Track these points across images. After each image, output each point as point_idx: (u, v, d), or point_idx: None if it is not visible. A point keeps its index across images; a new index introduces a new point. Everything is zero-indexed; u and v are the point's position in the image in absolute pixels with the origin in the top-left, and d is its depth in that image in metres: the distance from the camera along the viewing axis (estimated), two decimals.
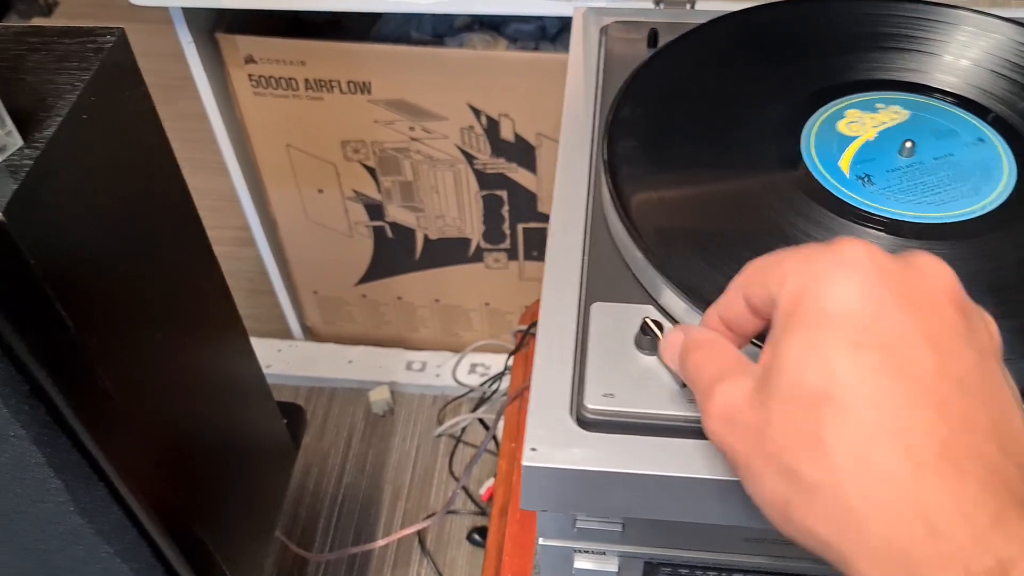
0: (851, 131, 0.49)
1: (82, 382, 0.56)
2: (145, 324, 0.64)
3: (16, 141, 0.51)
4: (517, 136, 1.13)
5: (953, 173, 0.47)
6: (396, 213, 1.25)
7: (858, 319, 0.29)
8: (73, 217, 0.55)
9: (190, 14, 1.04)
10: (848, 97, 0.51)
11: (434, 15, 1.16)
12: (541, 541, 0.50)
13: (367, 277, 1.35)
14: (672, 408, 0.40)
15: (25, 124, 0.52)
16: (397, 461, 1.32)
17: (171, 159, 0.66)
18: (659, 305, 0.43)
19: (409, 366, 1.40)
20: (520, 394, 1.01)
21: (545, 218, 1.23)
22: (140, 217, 0.63)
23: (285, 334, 1.43)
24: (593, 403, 0.40)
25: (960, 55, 0.53)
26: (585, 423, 0.40)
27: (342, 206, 1.25)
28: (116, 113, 0.58)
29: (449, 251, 1.29)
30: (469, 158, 1.16)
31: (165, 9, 1.00)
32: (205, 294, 0.74)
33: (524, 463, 0.39)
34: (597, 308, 0.43)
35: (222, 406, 0.78)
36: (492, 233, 1.26)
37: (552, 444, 0.39)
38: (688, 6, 0.60)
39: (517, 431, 0.98)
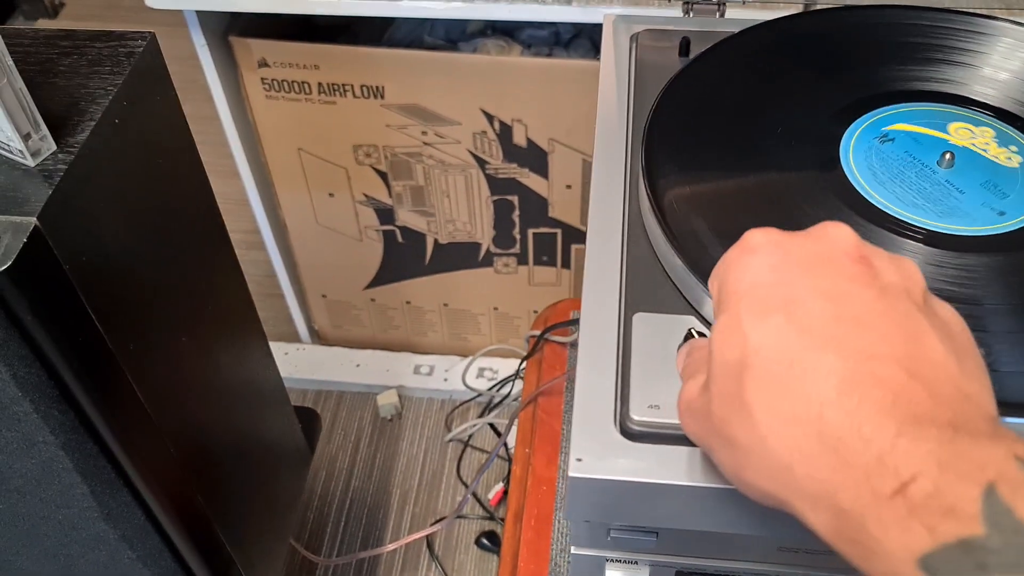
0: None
1: (112, 388, 0.56)
2: (172, 330, 0.64)
3: (50, 145, 0.51)
4: (529, 141, 1.13)
5: (989, 183, 0.47)
6: (407, 217, 1.25)
7: (762, 290, 0.33)
8: (105, 222, 0.55)
9: (204, 17, 1.04)
10: (886, 108, 0.51)
11: (448, 20, 1.16)
12: (574, 550, 0.50)
13: (376, 281, 1.34)
14: None
15: (58, 128, 0.52)
16: (405, 465, 1.32)
17: (198, 164, 0.66)
18: (700, 315, 0.43)
19: (417, 370, 1.40)
20: (533, 399, 1.01)
21: (555, 223, 1.23)
22: (169, 223, 0.63)
23: (293, 337, 1.43)
24: (639, 414, 0.40)
25: (999, 67, 0.53)
26: (630, 434, 0.40)
27: (352, 210, 1.25)
28: (147, 118, 0.58)
29: (459, 256, 1.29)
30: (481, 163, 1.16)
31: (175, 11, 1.00)
32: (228, 300, 0.74)
33: (571, 473, 0.39)
34: (639, 318, 0.43)
35: (243, 411, 0.78)
36: (502, 238, 1.26)
37: (598, 455, 0.39)
38: (717, 14, 0.60)
39: (531, 437, 0.98)
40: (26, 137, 0.49)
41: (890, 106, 0.51)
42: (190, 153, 0.64)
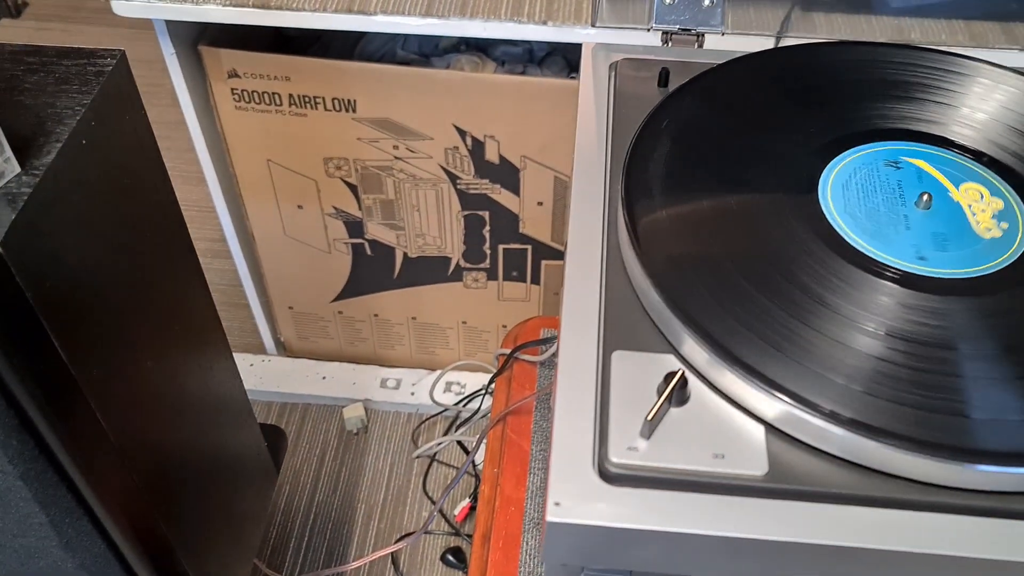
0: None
1: (73, 415, 0.55)
2: (137, 351, 0.63)
3: (14, 168, 0.50)
4: (501, 158, 1.12)
5: (940, 236, 0.48)
6: (376, 231, 1.24)
7: None
8: (70, 246, 0.53)
9: (173, 25, 1.02)
10: (864, 147, 0.51)
11: (421, 35, 1.15)
12: None
13: (344, 294, 1.33)
14: (697, 463, 0.39)
15: (24, 149, 0.50)
16: (371, 480, 1.31)
17: (167, 183, 0.65)
18: (679, 353, 0.43)
19: (384, 383, 1.39)
20: (502, 418, 1.00)
21: (525, 239, 1.22)
22: (135, 243, 0.62)
23: (258, 349, 1.41)
24: (617, 457, 0.39)
25: (976, 107, 0.53)
26: (608, 477, 0.39)
27: (321, 222, 1.23)
28: (115, 138, 0.57)
29: (428, 270, 1.28)
30: (452, 178, 1.15)
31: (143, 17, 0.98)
32: (194, 317, 0.73)
33: (549, 518, 0.38)
34: (618, 357, 0.43)
35: (207, 430, 0.76)
36: (472, 253, 1.25)
37: (576, 498, 0.39)
38: (696, 45, 0.60)
39: (500, 457, 0.97)
40: None
41: (870, 144, 0.51)
42: (158, 172, 0.63)
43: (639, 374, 0.42)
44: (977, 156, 0.52)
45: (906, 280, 0.45)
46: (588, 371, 0.43)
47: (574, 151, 0.54)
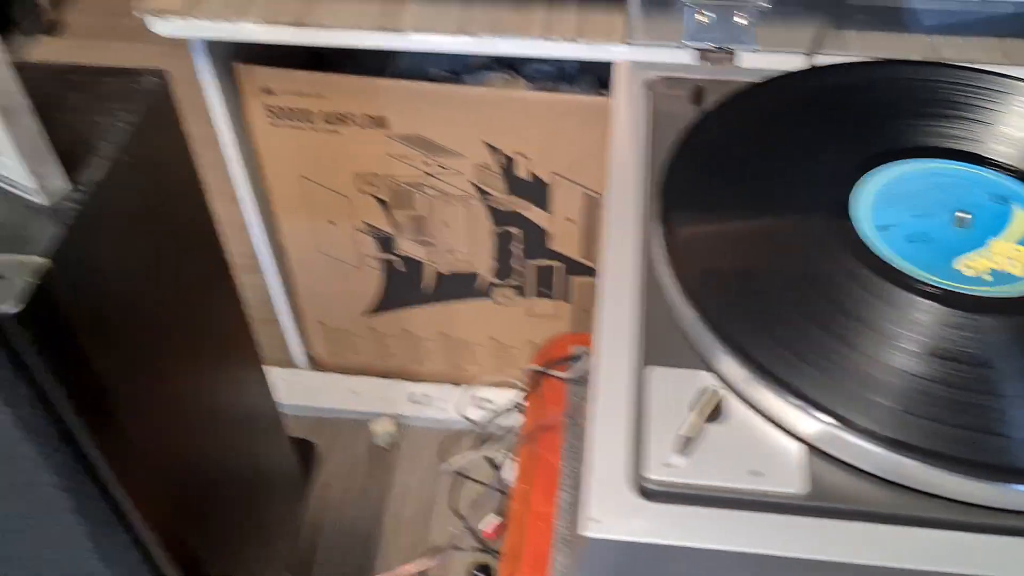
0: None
1: (112, 428, 0.56)
2: (173, 367, 0.64)
3: (63, 185, 0.51)
4: (532, 174, 1.13)
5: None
6: (407, 247, 1.24)
7: None
8: (112, 262, 0.54)
9: (208, 44, 1.04)
10: (902, 162, 0.51)
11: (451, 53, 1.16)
12: None
13: (375, 309, 1.34)
14: (735, 480, 0.39)
15: (70, 167, 0.52)
16: (398, 495, 1.31)
17: (204, 202, 0.66)
18: (715, 371, 0.43)
19: (413, 398, 1.39)
20: (533, 435, 1.00)
21: (555, 256, 1.23)
22: (173, 260, 0.63)
23: (289, 363, 1.42)
24: (655, 473, 0.39)
25: (1015, 125, 0.53)
26: (647, 493, 0.39)
27: (353, 238, 1.24)
28: (157, 156, 0.58)
29: (458, 286, 1.29)
30: (483, 194, 1.16)
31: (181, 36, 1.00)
32: (228, 333, 0.74)
33: (588, 534, 0.38)
34: (653, 373, 0.43)
35: (239, 444, 0.77)
36: (502, 269, 1.26)
37: (614, 514, 0.39)
38: (729, 63, 0.61)
39: (530, 473, 0.97)
40: (39, 177, 0.49)
41: (908, 159, 0.51)
42: (196, 190, 0.64)
43: (674, 390, 0.42)
44: (1018, 174, 0.51)
45: (944, 298, 0.45)
46: (622, 387, 0.43)
47: (608, 168, 0.55)
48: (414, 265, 1.27)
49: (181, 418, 0.65)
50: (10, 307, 0.45)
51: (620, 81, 0.60)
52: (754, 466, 0.40)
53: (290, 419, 1.38)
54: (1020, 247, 0.48)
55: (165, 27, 0.98)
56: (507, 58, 1.16)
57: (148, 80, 0.56)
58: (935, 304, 0.45)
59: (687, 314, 0.44)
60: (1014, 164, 0.52)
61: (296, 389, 1.40)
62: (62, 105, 0.55)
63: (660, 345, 0.45)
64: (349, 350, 1.40)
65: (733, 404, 0.42)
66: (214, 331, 0.70)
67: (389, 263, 1.27)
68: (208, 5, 0.98)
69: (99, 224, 0.51)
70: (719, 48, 0.59)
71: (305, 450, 0.93)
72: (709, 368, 0.43)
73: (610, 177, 0.54)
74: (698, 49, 0.60)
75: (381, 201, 1.19)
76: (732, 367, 0.42)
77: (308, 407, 1.39)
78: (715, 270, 0.46)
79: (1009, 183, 0.51)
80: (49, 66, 0.58)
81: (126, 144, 0.54)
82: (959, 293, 0.45)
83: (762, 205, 0.49)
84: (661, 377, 0.43)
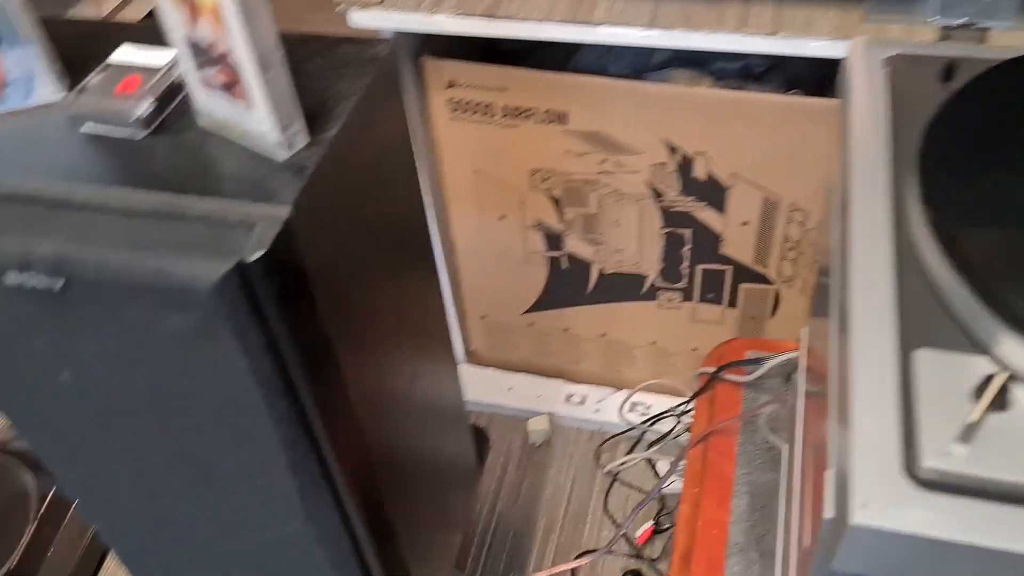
0: None
1: (330, 387, 0.56)
2: (382, 338, 0.64)
3: (303, 140, 0.52)
4: (710, 175, 1.10)
5: None
6: (574, 244, 1.23)
7: None
8: (341, 221, 0.55)
9: (400, 37, 1.06)
10: None
11: (633, 51, 1.15)
12: None
13: (537, 306, 1.33)
14: None
15: (309, 124, 0.53)
16: (552, 494, 1.30)
17: (415, 175, 0.66)
18: (995, 356, 0.40)
19: (569, 398, 1.38)
20: (705, 438, 0.97)
21: (726, 260, 1.19)
22: (390, 229, 0.64)
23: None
24: (932, 461, 0.36)
25: None
26: (922, 482, 0.36)
27: (522, 234, 1.24)
28: (384, 120, 0.59)
29: (622, 287, 1.27)
30: (657, 194, 1.14)
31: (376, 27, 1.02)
32: (429, 315, 0.74)
33: (855, 521, 0.36)
34: (922, 356, 0.40)
35: (430, 426, 0.78)
36: (669, 272, 1.23)
37: (885, 502, 0.36)
38: (978, 41, 0.57)
39: (701, 477, 0.94)
40: (283, 129, 0.50)
41: None
42: (410, 162, 0.65)
43: (946, 375, 0.39)
44: None
45: None
46: (885, 371, 0.40)
47: (847, 145, 0.52)
48: (580, 264, 1.26)
49: (385, 389, 0.66)
50: (254, 253, 0.46)
51: (857, 60, 0.57)
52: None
53: None
54: None
55: (363, 18, 1.01)
56: (689, 56, 1.14)
57: (377, 48, 0.57)
58: None
59: (959, 294, 0.41)
60: None
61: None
62: (303, 69, 0.57)
63: (924, 329, 0.42)
64: (508, 346, 1.41)
65: (1021, 393, 0.38)
66: (418, 311, 0.71)
67: (555, 261, 1.26)
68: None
69: (332, 181, 0.52)
70: (969, 24, 0.55)
71: (479, 437, 0.93)
72: (986, 351, 0.40)
73: (852, 157, 0.51)
74: (946, 27, 0.56)
75: (553, 198, 1.19)
76: (1018, 350, 0.38)
77: (465, 400, 1.40)
78: (991, 248, 0.42)
79: None
80: (292, 34, 0.60)
81: (358, 106, 0.55)
82: None
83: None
84: (930, 361, 0.40)
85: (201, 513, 0.65)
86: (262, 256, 0.47)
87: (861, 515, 0.36)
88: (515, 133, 1.13)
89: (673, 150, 1.09)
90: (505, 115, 1.12)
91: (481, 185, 1.20)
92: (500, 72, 1.09)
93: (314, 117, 0.53)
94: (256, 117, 0.50)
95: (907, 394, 0.39)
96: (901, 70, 0.55)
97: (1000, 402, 0.38)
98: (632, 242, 1.21)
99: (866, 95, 0.54)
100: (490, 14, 0.99)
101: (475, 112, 1.13)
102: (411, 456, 0.73)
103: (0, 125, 0.55)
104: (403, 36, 1.07)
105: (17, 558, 1.16)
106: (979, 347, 0.40)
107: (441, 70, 1.10)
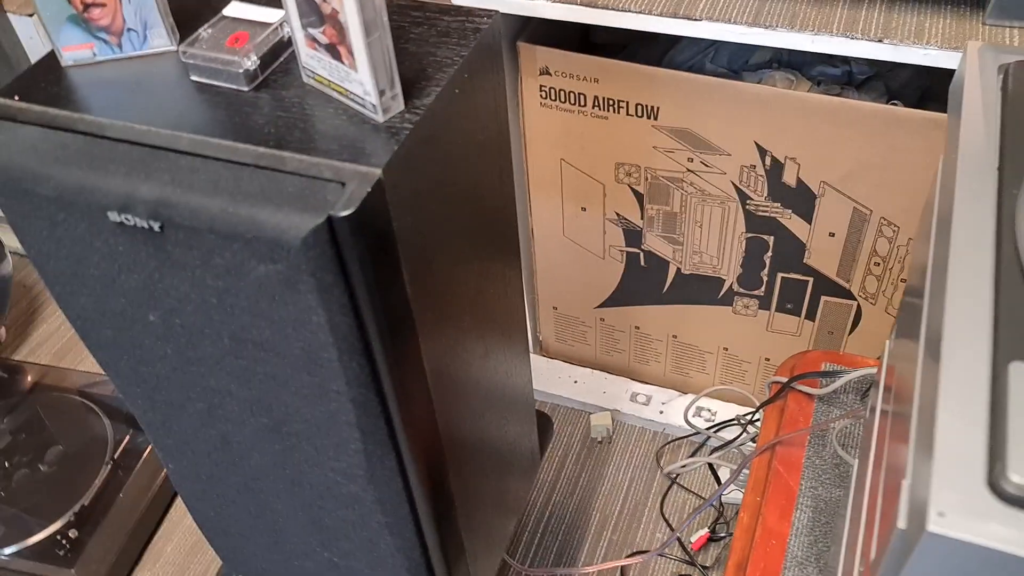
0: None
1: (404, 351, 0.57)
2: (459, 312, 0.65)
3: (400, 104, 0.53)
4: (799, 181, 1.08)
5: None
6: (654, 242, 1.22)
7: None
8: (431, 188, 0.56)
9: (499, 18, 1.06)
10: None
11: (732, 49, 1.13)
12: None
13: (609, 302, 1.33)
14: None
15: (407, 90, 0.53)
16: (608, 490, 1.29)
17: (508, 152, 0.67)
18: None
19: (634, 397, 1.37)
20: (771, 447, 0.95)
21: (808, 271, 1.17)
22: (476, 203, 0.64)
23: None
24: (1018, 476, 0.35)
25: None
26: (1005, 496, 0.35)
27: (601, 227, 1.24)
28: (481, 93, 0.59)
29: (699, 289, 1.25)
30: (743, 197, 1.12)
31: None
32: (505, 295, 0.74)
33: (930, 529, 0.35)
34: (1017, 369, 0.38)
35: (497, 406, 0.78)
36: (748, 278, 1.21)
37: (965, 513, 0.35)
38: None
39: (764, 486, 0.92)
40: (381, 93, 0.51)
41: None
42: (504, 138, 0.65)
43: None
44: None
45: None
46: (980, 381, 0.39)
47: (957, 151, 0.50)
48: (658, 262, 1.24)
49: (456, 367, 0.66)
50: (344, 210, 0.47)
51: (973, 65, 0.55)
52: None
53: None
54: None
55: None
56: (790, 58, 1.11)
57: (481, 19, 0.58)
58: None
59: None
60: None
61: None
62: (406, 35, 0.57)
63: (1019, 341, 0.40)
64: (577, 339, 1.40)
65: None
66: (495, 289, 0.71)
67: (632, 256, 1.25)
68: None
69: (425, 146, 0.53)
70: None
71: (543, 424, 0.93)
72: None
73: (960, 166, 0.49)
74: None
75: (636, 193, 1.18)
76: None
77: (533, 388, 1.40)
78: None
79: None
80: (393, 2, 0.61)
81: (457, 75, 0.55)
82: None
83: None
84: None
85: (268, 465, 0.66)
86: (351, 214, 0.47)
87: (937, 524, 0.34)
88: (604, 124, 1.13)
89: (763, 153, 1.07)
90: (595, 106, 1.12)
91: (565, 175, 1.20)
92: (593, 62, 1.08)
93: (412, 83, 0.54)
94: (356, 79, 0.50)
95: (998, 407, 0.38)
96: (1019, 78, 0.53)
97: None
98: (712, 244, 1.20)
99: (978, 102, 0.53)
100: (590, 2, 0.98)
101: (565, 101, 1.12)
102: (476, 434, 0.74)
103: (116, 70, 0.57)
104: (502, 18, 1.08)
105: (91, 497, 1.21)
106: None
107: (535, 56, 1.10)
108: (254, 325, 0.54)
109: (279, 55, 0.56)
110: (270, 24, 0.55)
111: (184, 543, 1.27)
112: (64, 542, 1.17)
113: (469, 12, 0.58)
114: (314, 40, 0.52)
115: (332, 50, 0.51)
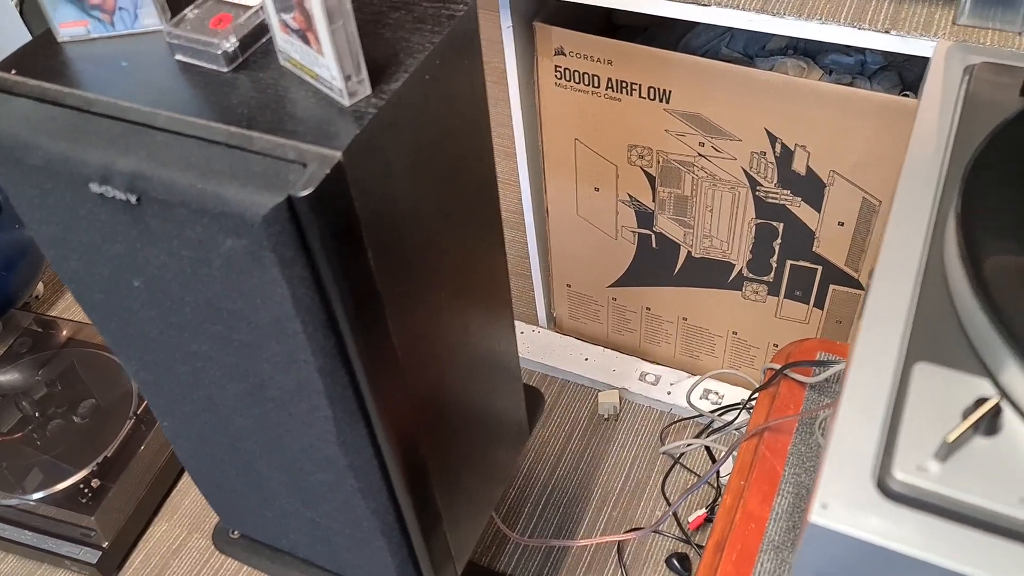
0: None
1: (371, 325, 0.59)
2: (433, 287, 0.67)
3: (366, 89, 0.55)
4: (809, 169, 1.07)
5: None
6: (665, 224, 1.23)
7: None
8: (397, 170, 0.58)
9: (514, 1, 1.07)
10: None
11: (748, 35, 1.13)
12: None
13: (621, 282, 1.34)
14: (999, 502, 0.35)
15: (376, 75, 0.55)
16: (611, 467, 1.31)
17: (487, 135, 0.68)
18: (997, 381, 0.39)
19: (643, 377, 1.38)
20: (760, 433, 0.96)
21: (817, 259, 1.16)
22: (451, 185, 0.66)
23: (531, 319, 1.46)
24: (904, 473, 0.36)
25: None
26: (889, 493, 0.36)
27: (614, 208, 1.25)
28: (454, 79, 0.61)
29: (709, 273, 1.26)
30: (753, 183, 1.12)
31: None
32: (488, 272, 0.77)
33: (811, 519, 0.36)
34: (920, 369, 0.40)
35: (478, 378, 0.80)
36: (757, 264, 1.21)
37: (848, 505, 0.36)
38: None
39: (749, 470, 0.93)
40: (347, 78, 0.53)
41: None
42: (483, 122, 0.67)
43: (941, 392, 0.39)
44: None
45: None
46: (884, 378, 0.40)
47: (907, 153, 0.51)
48: (669, 244, 1.25)
49: (432, 340, 0.68)
50: (305, 190, 0.50)
51: (938, 64, 0.55)
52: (1009, 488, 0.35)
53: (523, 373, 1.42)
54: None
55: None
56: (805, 46, 1.11)
57: (457, 7, 0.59)
58: None
59: (975, 315, 0.40)
60: None
61: (534, 345, 1.44)
62: (382, 20, 0.59)
63: (934, 343, 0.41)
64: (590, 317, 1.42)
65: (1013, 420, 0.37)
66: (476, 266, 0.73)
67: (644, 238, 1.26)
68: None
69: (391, 130, 0.55)
70: None
71: (533, 398, 0.95)
72: (989, 375, 0.39)
73: (908, 162, 0.50)
74: None
75: (648, 175, 1.19)
76: (1020, 379, 0.37)
77: (541, 364, 1.43)
78: (1017, 271, 0.41)
79: None
80: None
81: (428, 61, 0.57)
82: None
83: None
84: (928, 375, 0.39)
85: (250, 427, 0.70)
86: (310, 194, 0.50)
87: (819, 515, 0.36)
88: (617, 106, 1.13)
89: (773, 140, 1.07)
90: (609, 88, 1.12)
91: (579, 155, 1.21)
92: (608, 44, 1.09)
93: (383, 68, 0.56)
94: (324, 63, 0.53)
95: (898, 405, 0.39)
96: (981, 79, 0.53)
97: (991, 427, 0.37)
98: (723, 229, 1.20)
99: (938, 100, 0.53)
100: None
101: (580, 81, 1.13)
102: (454, 404, 0.76)
103: (106, 47, 0.60)
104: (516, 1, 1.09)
105: (114, 449, 1.26)
106: (983, 370, 0.39)
107: (550, 36, 1.11)
108: (226, 295, 0.57)
109: (259, 38, 0.58)
110: (251, 7, 0.58)
111: (200, 499, 1.32)
112: (87, 490, 1.23)
113: None
114: (286, 25, 0.54)
115: (302, 35, 0.53)
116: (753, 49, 1.14)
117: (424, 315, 0.66)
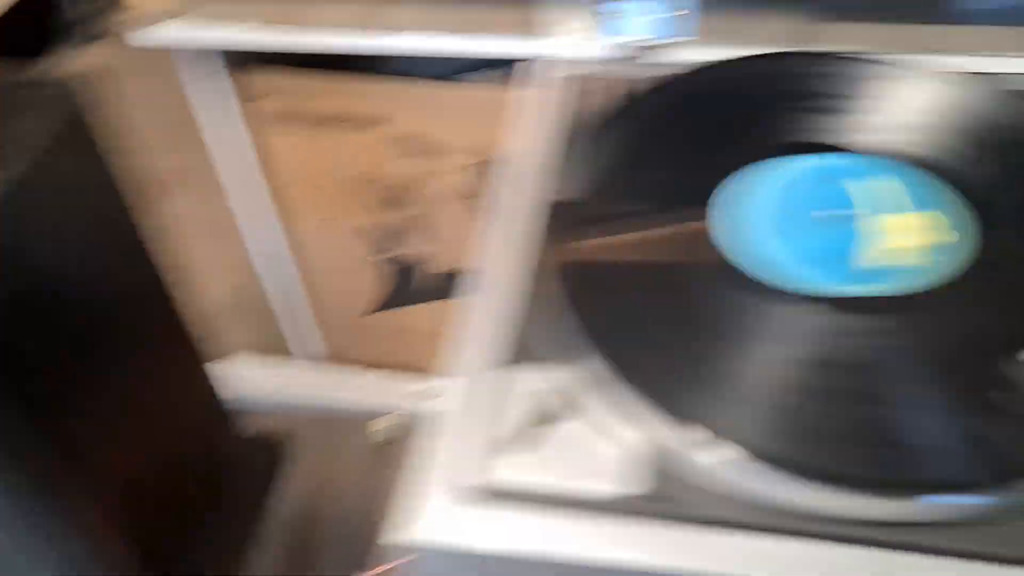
0: None
1: (34, 430, 0.57)
2: (100, 367, 0.64)
3: None
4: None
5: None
6: (409, 246, 1.26)
7: None
8: (40, 256, 0.56)
9: (205, 53, 1.05)
10: (771, 161, 0.50)
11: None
12: None
13: (378, 307, 1.36)
14: (564, 481, 0.38)
15: None
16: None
17: (126, 207, 0.66)
18: (570, 370, 0.42)
19: (418, 395, 1.40)
20: None
21: None
22: (103, 263, 0.64)
23: (290, 358, 1.44)
24: (469, 476, 0.39)
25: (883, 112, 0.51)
26: (461, 495, 0.39)
27: (355, 238, 1.26)
28: (76, 162, 0.59)
29: (454, 284, 1.30)
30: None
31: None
32: (161, 336, 0.74)
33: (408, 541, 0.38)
34: (518, 371, 0.43)
35: (183, 445, 0.77)
36: None
37: (422, 516, 0.38)
38: (638, 60, 0.59)
39: None
40: None
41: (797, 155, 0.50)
42: (115, 198, 0.64)
43: (512, 390, 0.42)
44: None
45: (792, 299, 0.44)
46: (475, 387, 0.43)
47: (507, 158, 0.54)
48: (416, 264, 1.28)
49: (112, 416, 0.66)
50: None
51: (527, 77, 0.59)
52: (588, 469, 0.39)
53: (286, 414, 1.39)
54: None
55: (143, 38, 0.97)
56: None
57: (56, 89, 0.57)
58: (789, 306, 0.43)
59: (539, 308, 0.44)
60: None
61: (294, 384, 1.41)
62: None
63: (522, 344, 0.44)
64: (351, 347, 1.42)
65: (575, 407, 0.41)
66: (145, 334, 0.71)
67: (389, 262, 1.28)
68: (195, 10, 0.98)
69: (21, 219, 0.53)
70: (647, 45, 0.57)
71: (273, 445, 0.94)
72: (562, 367, 0.42)
73: (509, 167, 0.53)
74: (623, 45, 0.58)
75: (382, 201, 1.21)
76: (583, 366, 0.41)
77: (306, 399, 1.40)
78: (589, 268, 0.45)
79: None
80: None
81: (43, 148, 0.56)
82: (810, 296, 0.44)
83: (633, 208, 0.48)
84: (495, 377, 0.43)
85: None
86: None
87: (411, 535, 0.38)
88: (336, 139, 1.15)
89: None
90: (320, 124, 1.13)
91: (311, 191, 1.22)
92: (311, 80, 1.10)
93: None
94: None
95: (471, 411, 0.41)
96: (577, 91, 0.58)
97: (551, 417, 0.40)
98: (462, 241, 1.24)
99: (531, 113, 0.57)
100: (273, 23, 0.97)
101: (292, 121, 1.14)
102: (170, 469, 0.73)
103: None
104: (208, 52, 1.07)
105: None
106: (560, 362, 0.43)
107: (253, 82, 1.11)
108: None
109: None
110: None
111: None
112: None
113: (44, 83, 0.58)
114: None
115: None
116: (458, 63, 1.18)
117: (96, 402, 0.64)
